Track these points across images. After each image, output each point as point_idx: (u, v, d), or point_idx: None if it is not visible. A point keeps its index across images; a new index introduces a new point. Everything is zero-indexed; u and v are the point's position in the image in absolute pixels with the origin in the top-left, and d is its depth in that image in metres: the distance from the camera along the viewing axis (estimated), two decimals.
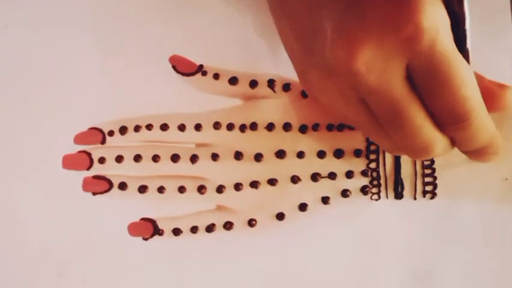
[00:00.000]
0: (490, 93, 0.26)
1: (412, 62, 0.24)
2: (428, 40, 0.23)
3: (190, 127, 0.35)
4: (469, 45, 0.26)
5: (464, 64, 0.24)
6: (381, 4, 0.24)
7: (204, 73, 0.35)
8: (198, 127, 0.35)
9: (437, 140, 0.26)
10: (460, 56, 0.24)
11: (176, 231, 0.34)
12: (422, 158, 0.27)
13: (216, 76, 0.35)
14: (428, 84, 0.24)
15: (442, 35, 0.24)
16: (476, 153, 0.28)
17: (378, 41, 0.24)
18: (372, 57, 0.24)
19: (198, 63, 0.35)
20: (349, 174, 0.34)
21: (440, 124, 0.26)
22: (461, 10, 0.26)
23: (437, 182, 0.34)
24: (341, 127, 0.34)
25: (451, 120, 0.25)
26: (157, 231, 0.34)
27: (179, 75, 0.35)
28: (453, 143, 0.27)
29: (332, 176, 0.34)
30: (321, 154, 0.34)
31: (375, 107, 0.26)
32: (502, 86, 0.27)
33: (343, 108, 0.28)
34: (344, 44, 0.24)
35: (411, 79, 0.25)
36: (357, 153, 0.34)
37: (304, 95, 0.34)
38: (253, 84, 0.35)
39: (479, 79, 0.26)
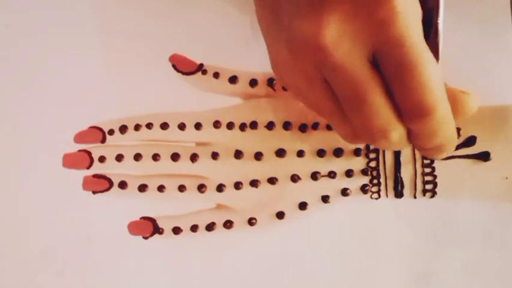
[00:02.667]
0: (452, 98, 0.26)
1: (381, 45, 0.24)
2: (400, 27, 0.23)
3: (190, 126, 0.35)
4: (441, 41, 0.26)
5: (432, 58, 0.24)
6: None
7: (204, 72, 0.35)
8: (198, 126, 0.35)
9: (394, 125, 0.25)
10: (428, 49, 0.24)
11: (177, 230, 0.34)
12: (377, 143, 0.26)
13: (216, 75, 0.35)
14: (395, 70, 0.24)
15: (414, 24, 0.24)
16: (431, 150, 0.27)
17: (349, 17, 0.24)
18: (340, 33, 0.24)
19: (198, 62, 0.36)
20: (349, 173, 0.34)
21: (401, 115, 0.25)
22: (436, 3, 0.26)
23: (437, 180, 0.34)
24: None
25: (413, 113, 0.25)
26: (157, 230, 0.34)
27: (180, 74, 0.35)
28: (409, 137, 0.27)
29: (332, 174, 0.34)
30: (321, 153, 0.34)
31: (337, 87, 0.25)
32: (464, 92, 0.27)
33: (305, 89, 0.27)
34: (313, 16, 0.24)
35: (376, 62, 0.25)
36: (357, 152, 0.34)
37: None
38: (253, 83, 0.35)
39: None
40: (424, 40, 0.24)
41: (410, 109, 0.25)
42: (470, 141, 0.34)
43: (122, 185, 0.34)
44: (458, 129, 0.33)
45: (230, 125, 0.35)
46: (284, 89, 0.35)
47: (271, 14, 0.28)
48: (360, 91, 0.25)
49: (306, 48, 0.25)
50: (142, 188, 0.34)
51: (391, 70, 0.24)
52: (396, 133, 0.26)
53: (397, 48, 0.24)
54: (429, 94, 0.24)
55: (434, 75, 0.24)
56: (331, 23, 0.24)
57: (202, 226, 0.34)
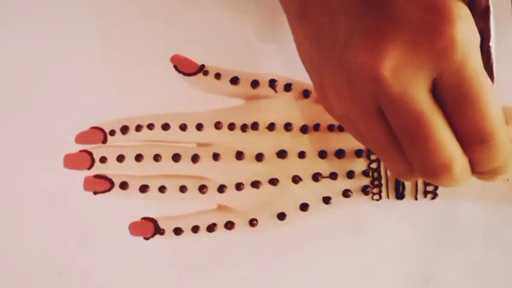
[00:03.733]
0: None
1: (441, 75, 0.23)
2: (461, 55, 0.23)
3: (191, 127, 0.35)
4: (494, 63, 0.26)
5: (491, 84, 0.24)
6: (416, 11, 0.23)
7: (206, 73, 0.35)
8: (199, 127, 0.35)
9: (458, 158, 0.25)
10: (487, 75, 0.24)
11: (178, 231, 0.34)
12: (439, 178, 0.25)
13: (218, 76, 0.35)
14: (456, 100, 0.24)
15: (474, 51, 0.23)
16: (488, 173, 0.26)
17: (407, 48, 0.23)
18: (399, 64, 0.23)
19: (199, 63, 0.36)
20: (350, 174, 0.34)
21: (462, 143, 0.25)
22: (487, 26, 0.26)
23: None
24: (342, 127, 0.34)
25: (476, 140, 0.24)
26: (158, 230, 0.34)
27: (181, 75, 0.35)
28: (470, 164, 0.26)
29: (333, 176, 0.34)
30: (322, 154, 0.34)
31: (395, 119, 0.25)
32: None
33: (358, 120, 0.26)
34: (371, 46, 0.24)
35: (436, 93, 0.24)
36: (358, 153, 0.34)
37: (305, 95, 0.35)
38: (255, 84, 0.35)
39: None
40: (482, 66, 0.24)
41: (472, 137, 0.24)
42: None
43: (123, 185, 0.34)
44: None
45: (231, 126, 0.35)
46: (285, 89, 0.35)
47: (315, 37, 0.27)
48: (422, 122, 0.24)
49: (362, 79, 0.24)
50: (143, 188, 0.34)
51: (452, 99, 0.24)
52: (459, 165, 0.25)
53: (458, 77, 0.23)
54: (490, 121, 0.24)
55: (493, 102, 0.24)
56: (390, 53, 0.23)
57: (203, 227, 0.34)
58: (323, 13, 0.27)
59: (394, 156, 0.26)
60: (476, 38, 0.24)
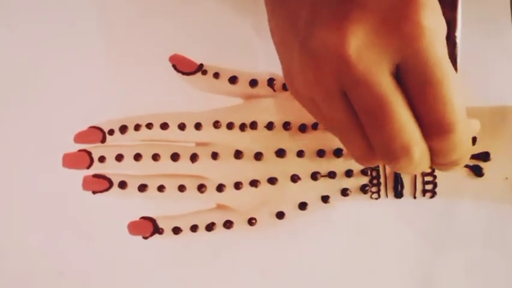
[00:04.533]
0: None
1: (405, 60, 0.24)
2: (426, 41, 0.23)
3: (190, 126, 0.35)
4: (458, 53, 0.26)
5: (455, 74, 0.24)
6: None
7: (204, 72, 0.35)
8: (198, 126, 0.35)
9: (417, 142, 0.24)
10: (451, 65, 0.24)
11: (176, 230, 0.34)
12: (398, 161, 0.25)
13: (216, 75, 0.35)
14: (419, 86, 0.24)
15: (439, 39, 0.23)
16: (446, 164, 0.26)
17: (374, 30, 0.23)
18: (364, 45, 0.23)
19: (198, 62, 0.36)
20: (349, 173, 0.34)
21: (423, 131, 0.25)
22: (454, 16, 0.26)
23: (436, 181, 0.33)
24: None
25: (436, 130, 0.24)
26: (157, 230, 0.34)
27: (180, 74, 0.35)
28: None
29: (332, 175, 0.34)
30: (320, 153, 0.34)
31: (358, 100, 0.25)
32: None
33: (321, 101, 0.26)
34: (337, 27, 0.24)
35: (400, 78, 0.24)
36: None
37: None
38: (253, 83, 0.35)
39: None
40: (447, 55, 0.24)
41: (432, 125, 0.24)
42: None
43: (122, 185, 0.34)
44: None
45: (230, 125, 0.35)
46: (284, 89, 0.35)
47: (286, 23, 0.27)
48: (384, 104, 0.24)
49: (327, 59, 0.24)
50: (142, 188, 0.34)
51: (415, 85, 0.24)
52: (419, 149, 0.25)
53: (422, 64, 0.23)
54: (452, 111, 0.24)
55: (456, 93, 0.24)
56: (355, 33, 0.23)
57: (202, 226, 0.34)
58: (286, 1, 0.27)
59: (355, 138, 0.26)
60: (443, 27, 0.24)
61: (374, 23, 0.23)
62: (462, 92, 0.24)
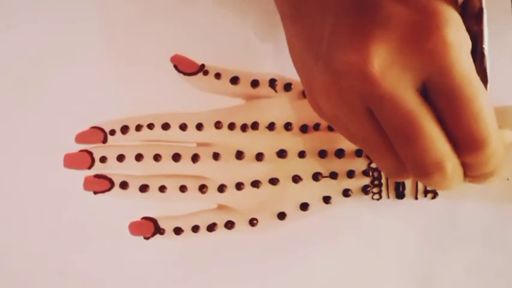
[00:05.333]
0: None
1: (431, 77, 0.23)
2: (452, 57, 0.23)
3: (191, 126, 0.35)
4: (488, 66, 0.26)
5: (483, 88, 0.24)
6: (406, 12, 0.23)
7: (206, 73, 0.35)
8: (199, 126, 0.35)
9: (450, 157, 0.24)
10: (478, 79, 0.24)
11: (178, 231, 0.34)
12: (431, 178, 0.25)
13: (218, 76, 0.35)
14: (446, 102, 0.23)
15: (464, 54, 0.23)
16: (479, 177, 0.26)
17: (397, 47, 0.23)
18: (387, 63, 0.23)
19: (199, 62, 0.36)
20: (350, 174, 0.34)
21: (454, 146, 0.24)
22: (480, 28, 0.25)
23: None
24: None
25: (467, 145, 0.24)
26: (158, 230, 0.34)
27: (181, 75, 0.35)
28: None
29: (333, 175, 0.34)
30: (322, 154, 0.34)
31: (385, 118, 0.24)
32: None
33: (347, 120, 0.26)
34: (359, 45, 0.23)
35: (428, 94, 0.24)
36: (358, 152, 0.34)
37: (305, 94, 0.34)
38: (255, 83, 0.35)
39: None
40: (474, 69, 0.24)
41: (464, 141, 0.24)
42: None
43: (123, 185, 0.34)
44: None
45: (231, 126, 0.35)
46: (286, 89, 0.35)
47: (305, 37, 0.27)
48: (412, 120, 0.23)
49: (351, 78, 0.24)
50: (143, 188, 0.34)
51: (442, 101, 0.23)
52: (451, 164, 0.24)
53: (449, 80, 0.23)
54: (483, 126, 0.23)
55: (486, 107, 0.23)
56: (378, 52, 0.23)
57: (203, 226, 0.34)
58: (314, 13, 0.27)
59: (385, 155, 0.26)
60: (467, 42, 0.24)
61: (396, 39, 0.23)
62: (491, 104, 0.24)
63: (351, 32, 0.24)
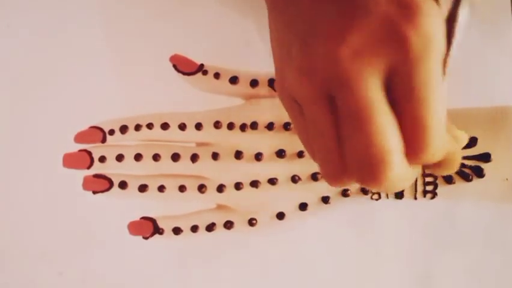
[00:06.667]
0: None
1: (397, 66, 0.23)
2: (420, 48, 0.23)
3: (190, 126, 0.35)
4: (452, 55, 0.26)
5: (443, 97, 0.24)
6: (383, 3, 0.23)
7: (205, 72, 0.35)
8: (198, 126, 0.35)
9: (397, 148, 0.23)
10: (441, 85, 0.24)
11: (177, 230, 0.34)
12: (375, 172, 0.23)
13: (217, 75, 0.35)
14: (403, 100, 0.23)
15: (435, 48, 0.23)
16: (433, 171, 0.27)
17: (369, 34, 0.23)
18: (360, 49, 0.23)
19: (198, 62, 0.36)
20: None
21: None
22: (456, 11, 0.25)
23: (437, 181, 0.33)
24: None
25: (410, 146, 0.24)
26: (157, 230, 0.34)
27: (180, 75, 0.35)
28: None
29: None
30: None
31: (342, 102, 0.24)
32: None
33: (307, 103, 0.25)
34: (338, 31, 0.24)
35: (390, 85, 0.24)
36: None
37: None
38: (254, 83, 0.35)
39: None
40: (441, 75, 0.24)
41: (407, 140, 0.24)
42: (471, 142, 0.34)
43: (123, 185, 0.34)
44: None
45: (230, 126, 0.35)
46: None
47: (284, 27, 0.27)
48: (367, 107, 0.23)
49: (324, 61, 0.24)
50: (142, 188, 0.34)
51: (400, 97, 0.24)
52: (398, 156, 0.23)
53: (409, 75, 0.23)
54: (427, 133, 0.23)
55: (439, 113, 0.23)
56: (353, 38, 0.23)
57: (202, 226, 0.34)
58: (291, 2, 0.27)
59: (330, 149, 0.25)
60: (439, 37, 0.24)
61: (369, 27, 0.23)
62: (443, 106, 0.23)
63: (331, 21, 0.24)
